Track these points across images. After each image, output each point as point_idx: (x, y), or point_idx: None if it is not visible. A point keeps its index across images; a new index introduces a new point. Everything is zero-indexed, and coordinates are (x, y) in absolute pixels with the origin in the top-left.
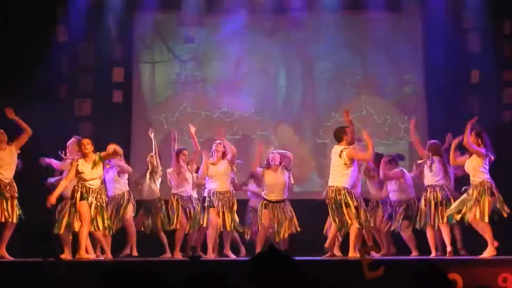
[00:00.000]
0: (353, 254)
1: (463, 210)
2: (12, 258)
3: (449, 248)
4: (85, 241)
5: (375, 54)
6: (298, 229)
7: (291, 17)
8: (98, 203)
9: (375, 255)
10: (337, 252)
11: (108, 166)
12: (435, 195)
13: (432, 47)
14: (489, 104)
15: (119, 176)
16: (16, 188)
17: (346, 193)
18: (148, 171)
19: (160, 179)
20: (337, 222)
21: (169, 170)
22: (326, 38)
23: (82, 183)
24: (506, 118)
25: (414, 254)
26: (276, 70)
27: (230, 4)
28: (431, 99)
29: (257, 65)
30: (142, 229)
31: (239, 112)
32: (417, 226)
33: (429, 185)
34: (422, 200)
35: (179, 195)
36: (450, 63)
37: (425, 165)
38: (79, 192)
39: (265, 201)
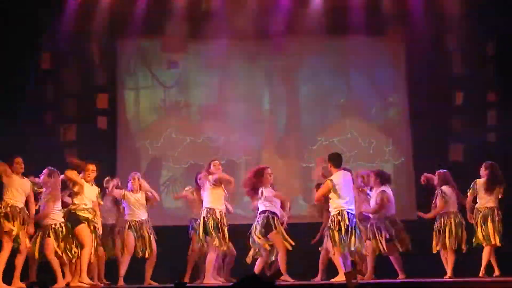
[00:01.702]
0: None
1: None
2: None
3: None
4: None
5: (359, 77)
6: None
7: (274, 42)
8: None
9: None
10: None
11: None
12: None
13: (415, 69)
14: (473, 125)
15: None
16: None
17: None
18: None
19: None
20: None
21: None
22: (310, 62)
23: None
24: (490, 139)
25: (401, 277)
26: (260, 94)
27: (213, 30)
28: (415, 121)
29: (241, 90)
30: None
31: (224, 137)
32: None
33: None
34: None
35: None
36: (434, 85)
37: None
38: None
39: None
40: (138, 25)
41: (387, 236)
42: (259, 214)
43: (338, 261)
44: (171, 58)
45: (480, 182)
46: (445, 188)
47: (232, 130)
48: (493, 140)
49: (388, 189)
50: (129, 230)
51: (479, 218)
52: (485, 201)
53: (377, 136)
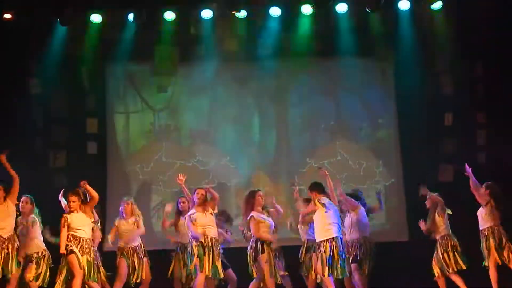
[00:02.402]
0: None
1: None
2: None
3: None
4: None
5: (348, 99)
6: None
7: (263, 64)
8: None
9: None
10: None
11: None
12: None
13: (405, 90)
14: (463, 146)
15: None
16: (17, 242)
17: None
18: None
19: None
20: None
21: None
22: (299, 84)
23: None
24: (480, 159)
25: None
26: (250, 117)
27: (202, 54)
28: (405, 142)
29: (231, 113)
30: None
31: (214, 160)
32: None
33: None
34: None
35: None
36: (423, 106)
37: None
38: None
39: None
40: (127, 50)
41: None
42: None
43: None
44: (160, 82)
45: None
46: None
47: (222, 154)
48: (483, 160)
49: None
50: (121, 257)
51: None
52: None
53: (367, 158)
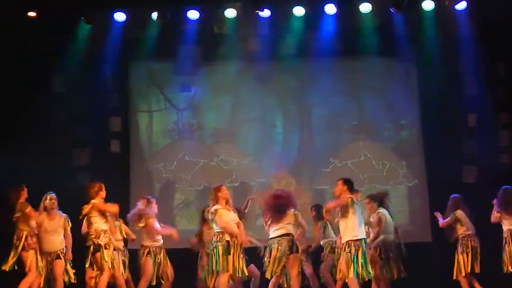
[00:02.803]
0: None
1: None
2: None
3: None
4: None
5: (371, 99)
6: None
7: (286, 64)
8: None
9: None
10: None
11: None
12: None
13: (428, 91)
14: (486, 147)
15: None
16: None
17: None
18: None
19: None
20: None
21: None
22: (322, 84)
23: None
24: (504, 160)
25: None
26: (273, 116)
27: (225, 53)
28: (428, 143)
29: (254, 112)
30: None
31: (237, 159)
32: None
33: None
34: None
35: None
36: (447, 107)
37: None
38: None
39: None
40: (150, 49)
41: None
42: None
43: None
44: (183, 81)
45: None
46: (459, 212)
47: (245, 153)
48: (507, 161)
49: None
50: (148, 256)
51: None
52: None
53: (391, 158)
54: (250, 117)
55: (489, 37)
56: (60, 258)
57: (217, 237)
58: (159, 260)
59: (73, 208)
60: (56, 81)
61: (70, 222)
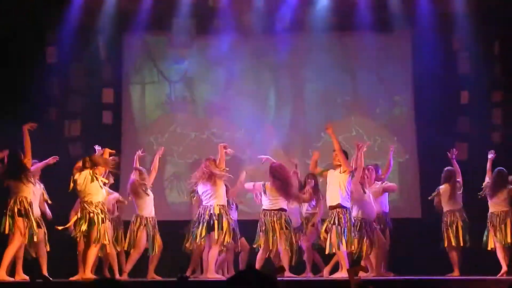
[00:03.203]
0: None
1: None
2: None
3: None
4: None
5: (365, 75)
6: None
7: (280, 38)
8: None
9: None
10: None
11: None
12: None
13: (421, 68)
14: (478, 125)
15: None
16: None
17: None
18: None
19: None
20: None
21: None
22: (316, 59)
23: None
24: (495, 139)
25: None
26: (266, 91)
27: (219, 26)
28: (420, 120)
29: (247, 86)
30: None
31: (229, 133)
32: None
33: None
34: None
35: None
36: (440, 84)
37: None
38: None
39: None
40: (144, 21)
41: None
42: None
43: (343, 256)
44: (177, 54)
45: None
46: (443, 187)
47: (237, 126)
48: (498, 139)
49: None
50: (143, 227)
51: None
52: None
53: (382, 134)
54: (243, 91)
55: (484, 15)
56: None
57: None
58: (152, 233)
59: (65, 177)
60: (49, 52)
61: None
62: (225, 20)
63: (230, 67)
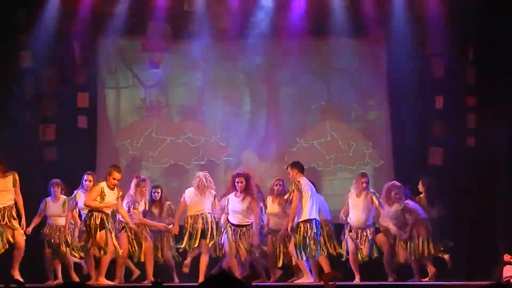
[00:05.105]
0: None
1: None
2: None
3: None
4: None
5: (340, 80)
6: None
7: (255, 42)
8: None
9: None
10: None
11: None
12: None
13: (396, 72)
14: (453, 129)
15: None
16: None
17: None
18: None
19: None
20: None
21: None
22: (290, 64)
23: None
24: (470, 143)
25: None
26: (241, 95)
27: (194, 30)
28: (395, 124)
29: (222, 91)
30: None
31: (204, 137)
32: None
33: None
34: None
35: None
36: (415, 89)
37: None
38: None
39: None
40: (119, 25)
41: None
42: None
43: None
44: (152, 58)
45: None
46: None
47: (212, 131)
48: (473, 144)
49: None
50: (124, 231)
51: None
52: None
53: (357, 139)
54: (218, 95)
55: (458, 19)
56: None
57: None
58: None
59: (40, 183)
60: (23, 56)
61: None
62: (200, 24)
63: (205, 71)
